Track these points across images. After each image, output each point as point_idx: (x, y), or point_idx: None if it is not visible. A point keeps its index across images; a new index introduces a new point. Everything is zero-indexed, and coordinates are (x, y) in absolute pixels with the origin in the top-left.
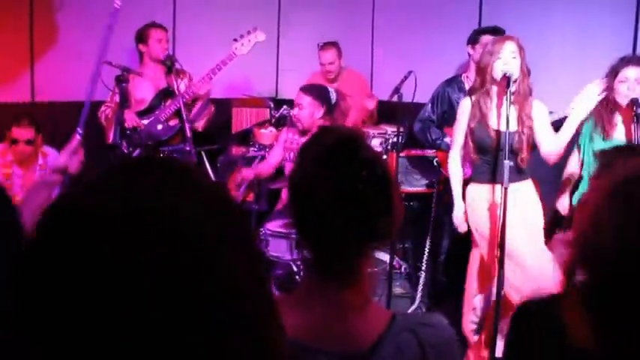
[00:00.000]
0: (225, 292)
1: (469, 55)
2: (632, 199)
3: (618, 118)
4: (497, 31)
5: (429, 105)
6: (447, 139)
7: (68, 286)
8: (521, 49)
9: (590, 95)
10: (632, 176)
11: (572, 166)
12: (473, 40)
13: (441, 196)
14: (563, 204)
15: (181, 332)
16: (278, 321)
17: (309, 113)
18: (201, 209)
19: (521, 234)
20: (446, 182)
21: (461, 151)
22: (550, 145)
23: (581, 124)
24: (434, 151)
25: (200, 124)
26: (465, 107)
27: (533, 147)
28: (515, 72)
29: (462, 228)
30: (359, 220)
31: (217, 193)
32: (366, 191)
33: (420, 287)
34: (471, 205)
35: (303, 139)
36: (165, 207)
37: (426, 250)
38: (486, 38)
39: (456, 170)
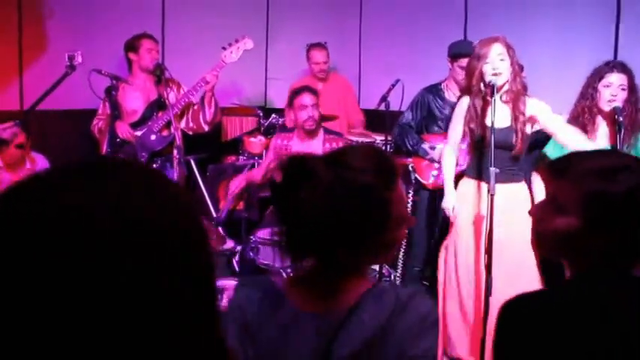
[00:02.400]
0: (173, 302)
1: (449, 68)
2: None
3: (600, 122)
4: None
5: (409, 111)
6: (424, 145)
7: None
8: (509, 48)
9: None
10: None
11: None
12: (451, 57)
13: (415, 205)
14: None
15: (118, 334)
16: (217, 331)
17: (318, 112)
18: (165, 218)
19: (505, 238)
20: (420, 191)
21: (456, 145)
22: (570, 142)
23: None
24: (411, 159)
25: (209, 118)
26: (464, 105)
27: (533, 147)
28: (499, 80)
29: (452, 216)
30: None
31: (175, 195)
32: (357, 219)
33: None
34: (458, 198)
35: (291, 143)
36: (118, 207)
37: (400, 258)
38: (464, 61)
39: (449, 161)
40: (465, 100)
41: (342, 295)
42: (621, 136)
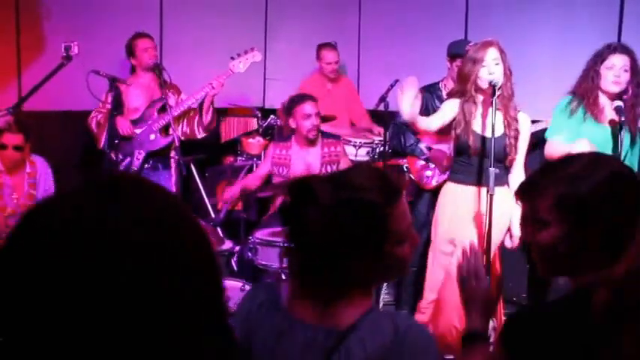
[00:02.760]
0: (173, 302)
1: (448, 67)
2: None
3: (605, 103)
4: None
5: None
6: (421, 145)
7: (30, 287)
8: (502, 52)
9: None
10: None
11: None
12: (450, 56)
13: (410, 205)
14: None
15: (129, 339)
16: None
17: (319, 120)
18: (162, 224)
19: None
20: (416, 194)
21: (431, 122)
22: (516, 175)
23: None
24: (405, 160)
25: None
26: (451, 106)
27: (535, 146)
28: (500, 80)
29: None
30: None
31: (179, 209)
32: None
33: (384, 287)
34: (442, 202)
35: (290, 152)
36: (129, 222)
37: None
38: (460, 62)
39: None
40: (454, 103)
41: (339, 310)
42: (622, 136)
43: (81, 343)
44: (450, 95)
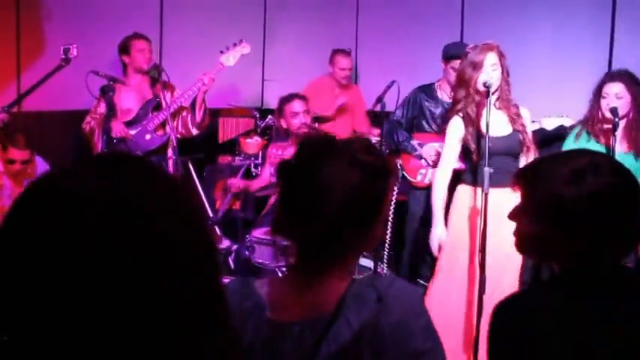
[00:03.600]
0: (173, 301)
1: (443, 69)
2: None
3: (608, 127)
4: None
5: (400, 108)
6: (413, 142)
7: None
8: (501, 56)
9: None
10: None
11: None
12: (445, 58)
13: (402, 205)
14: None
15: (131, 323)
16: (226, 324)
17: (309, 118)
18: (164, 205)
19: (497, 243)
20: (411, 190)
21: (452, 168)
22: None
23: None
24: (399, 157)
25: (199, 120)
26: (455, 126)
27: (544, 144)
28: (495, 83)
29: (435, 249)
30: (330, 240)
31: (180, 193)
32: (330, 211)
33: None
34: (457, 205)
35: (287, 153)
36: (130, 201)
37: (385, 257)
38: (457, 62)
39: (441, 189)
40: (457, 121)
41: (321, 298)
42: (616, 138)
43: (78, 341)
44: (455, 102)
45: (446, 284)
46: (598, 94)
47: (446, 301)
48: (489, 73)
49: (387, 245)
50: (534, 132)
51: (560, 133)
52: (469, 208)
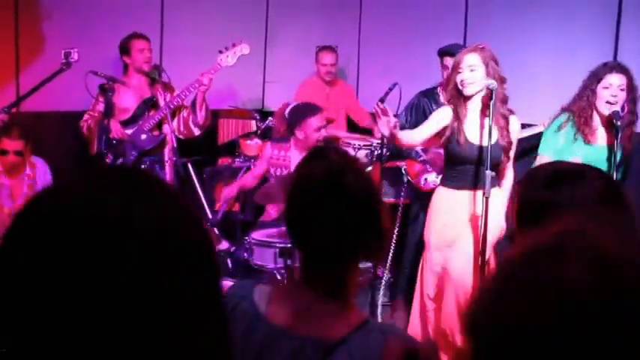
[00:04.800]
0: (172, 302)
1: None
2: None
3: (597, 123)
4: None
5: (403, 113)
6: (417, 147)
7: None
8: (486, 58)
9: None
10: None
11: None
12: (439, 54)
13: (407, 208)
14: None
15: (130, 332)
16: (225, 336)
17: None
18: (164, 220)
19: (467, 241)
20: (414, 195)
21: (414, 133)
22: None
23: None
24: (404, 162)
25: (200, 122)
26: (442, 116)
27: (528, 152)
28: (469, 89)
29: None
30: (345, 246)
31: (181, 206)
32: (352, 222)
33: (382, 288)
34: (435, 207)
35: (290, 154)
36: (130, 217)
37: (389, 259)
38: (447, 60)
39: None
40: (447, 111)
41: (330, 320)
42: (618, 140)
43: (79, 341)
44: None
45: (422, 282)
46: (595, 84)
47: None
48: (466, 73)
49: (391, 250)
50: (534, 135)
51: None
52: (444, 210)
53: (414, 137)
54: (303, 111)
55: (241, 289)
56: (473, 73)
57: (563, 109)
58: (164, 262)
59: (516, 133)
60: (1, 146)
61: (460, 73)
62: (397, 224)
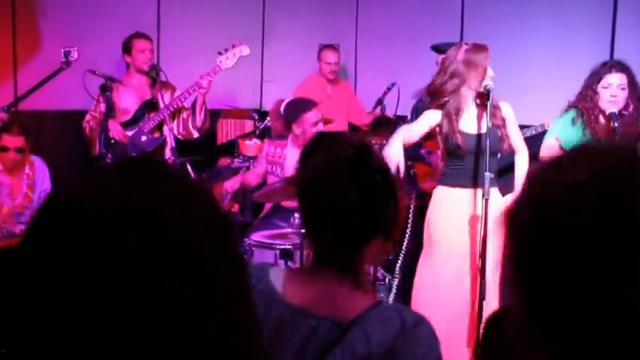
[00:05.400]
0: (203, 291)
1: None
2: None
3: (603, 123)
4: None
5: (409, 118)
6: (422, 150)
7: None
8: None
9: None
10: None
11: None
12: (435, 49)
13: (418, 208)
14: None
15: (156, 326)
16: (252, 315)
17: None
18: (187, 212)
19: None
20: (425, 196)
21: (405, 138)
22: (522, 159)
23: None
24: (411, 162)
25: (199, 124)
26: (432, 116)
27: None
28: (489, 82)
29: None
30: (372, 218)
31: (205, 198)
32: (381, 193)
33: (393, 293)
34: (435, 206)
35: (285, 152)
36: (153, 208)
37: (400, 260)
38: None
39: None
40: (435, 114)
41: (346, 300)
42: (616, 140)
43: (76, 342)
44: (439, 93)
45: (422, 283)
46: (595, 84)
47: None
48: (489, 74)
49: (403, 251)
50: (531, 137)
51: None
52: (445, 208)
53: (410, 136)
54: (299, 106)
55: (257, 270)
56: (490, 72)
57: (570, 106)
58: (165, 261)
59: (511, 112)
60: (2, 143)
61: (486, 78)
62: (409, 226)
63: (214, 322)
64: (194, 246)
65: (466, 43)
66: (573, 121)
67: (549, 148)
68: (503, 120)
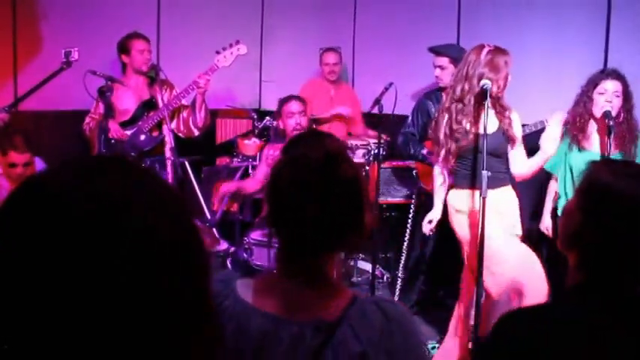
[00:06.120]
0: (163, 292)
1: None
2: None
3: (593, 129)
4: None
5: (410, 118)
6: (423, 151)
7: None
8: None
9: (554, 133)
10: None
11: (553, 186)
12: (433, 52)
13: (420, 206)
14: (546, 225)
15: (119, 326)
16: (212, 322)
17: (306, 120)
18: (153, 210)
19: (504, 244)
20: (426, 194)
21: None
22: (521, 168)
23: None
24: (414, 162)
25: (200, 124)
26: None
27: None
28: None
29: (425, 229)
30: (329, 233)
31: (169, 195)
32: (339, 208)
33: (397, 293)
34: (452, 211)
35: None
36: (119, 205)
37: (402, 259)
38: (439, 60)
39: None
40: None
41: (321, 303)
42: (611, 141)
43: (77, 342)
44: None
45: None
46: (591, 90)
47: None
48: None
49: (404, 250)
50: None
51: None
52: (460, 212)
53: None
54: (280, 101)
55: (221, 286)
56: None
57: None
58: (164, 262)
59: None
60: (10, 160)
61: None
62: (409, 224)
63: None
64: (158, 238)
65: (488, 45)
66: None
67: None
68: (511, 120)
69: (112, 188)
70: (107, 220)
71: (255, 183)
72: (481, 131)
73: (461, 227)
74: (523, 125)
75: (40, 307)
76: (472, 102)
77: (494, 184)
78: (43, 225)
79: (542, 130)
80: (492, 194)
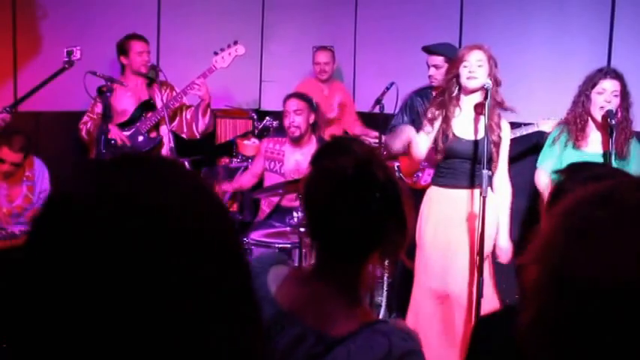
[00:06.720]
0: (202, 290)
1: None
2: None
3: (591, 129)
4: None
5: (398, 113)
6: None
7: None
8: (490, 58)
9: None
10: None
11: (544, 184)
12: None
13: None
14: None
15: (155, 327)
16: (256, 317)
17: (305, 119)
18: (189, 208)
19: (465, 240)
20: (410, 189)
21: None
22: (498, 183)
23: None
24: (397, 161)
25: (201, 128)
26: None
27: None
28: (472, 83)
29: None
30: (370, 238)
31: (205, 192)
32: (379, 213)
33: (384, 292)
34: (427, 207)
35: (284, 148)
36: (155, 206)
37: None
38: (433, 59)
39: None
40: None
41: (337, 316)
42: (613, 140)
43: (86, 339)
44: (436, 97)
45: (419, 285)
46: (589, 90)
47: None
48: (474, 67)
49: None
50: (530, 134)
51: None
52: (439, 209)
53: (420, 149)
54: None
55: (259, 264)
56: (480, 69)
57: (559, 124)
58: (195, 256)
59: (507, 134)
60: (0, 154)
61: (466, 67)
62: None
63: (218, 319)
64: (196, 242)
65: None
66: (553, 140)
67: (537, 175)
68: (500, 138)
69: (142, 192)
70: (147, 229)
71: (251, 177)
72: (480, 134)
73: (427, 222)
74: (524, 124)
75: (88, 318)
76: (463, 101)
77: (472, 185)
78: (74, 232)
79: (533, 133)
80: (475, 194)
